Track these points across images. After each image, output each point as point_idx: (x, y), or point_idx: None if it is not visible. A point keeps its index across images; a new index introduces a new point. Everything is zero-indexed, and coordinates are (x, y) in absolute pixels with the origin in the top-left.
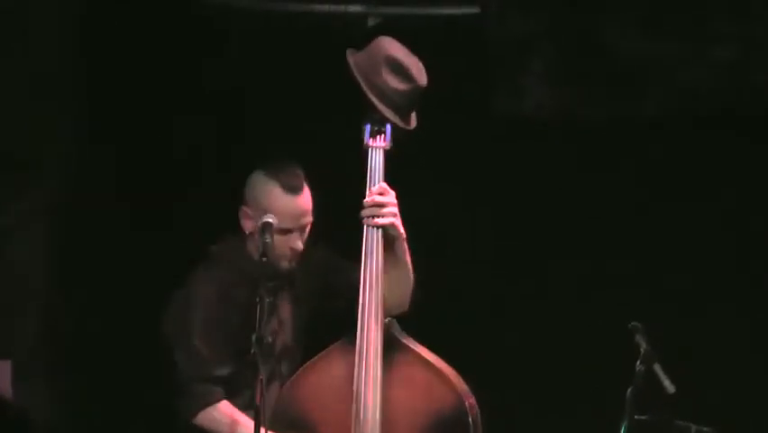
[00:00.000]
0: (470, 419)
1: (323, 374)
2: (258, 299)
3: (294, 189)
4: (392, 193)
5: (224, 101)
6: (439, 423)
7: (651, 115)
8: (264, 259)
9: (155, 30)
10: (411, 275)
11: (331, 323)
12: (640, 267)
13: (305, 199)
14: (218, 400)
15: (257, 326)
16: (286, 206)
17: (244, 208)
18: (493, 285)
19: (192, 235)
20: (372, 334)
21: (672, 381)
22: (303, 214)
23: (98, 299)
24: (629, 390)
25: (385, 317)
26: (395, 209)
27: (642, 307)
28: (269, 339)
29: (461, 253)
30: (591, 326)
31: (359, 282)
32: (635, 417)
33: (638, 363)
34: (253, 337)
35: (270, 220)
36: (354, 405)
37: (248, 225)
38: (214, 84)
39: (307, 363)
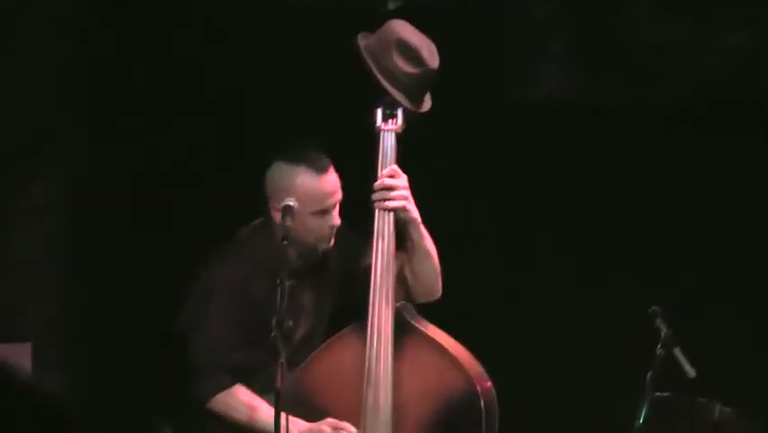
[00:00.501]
0: (481, 403)
1: (335, 358)
2: (278, 282)
3: (322, 169)
4: (404, 176)
5: (242, 87)
6: (450, 406)
7: (665, 101)
8: (285, 242)
9: (157, 21)
10: (435, 260)
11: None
12: (657, 251)
13: (333, 175)
14: (233, 385)
15: (277, 309)
16: (319, 187)
17: (273, 201)
18: (509, 270)
19: (209, 222)
20: (383, 317)
21: (693, 365)
22: (335, 190)
23: (117, 281)
24: (649, 374)
25: (399, 301)
26: (406, 192)
27: (662, 291)
28: (290, 323)
29: (473, 239)
30: (611, 310)
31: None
32: (657, 394)
33: (658, 347)
34: (273, 321)
35: (292, 203)
36: (365, 388)
37: (279, 217)
38: (229, 69)
39: (320, 346)
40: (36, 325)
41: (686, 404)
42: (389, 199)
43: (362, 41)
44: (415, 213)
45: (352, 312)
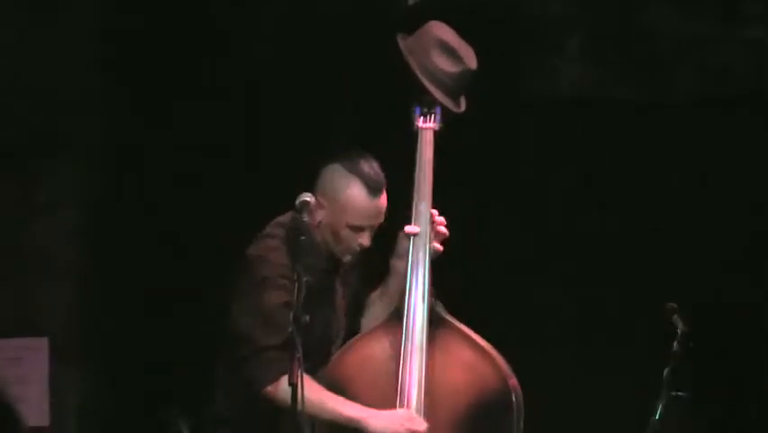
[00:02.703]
0: (513, 398)
1: (368, 351)
2: (296, 278)
3: (377, 191)
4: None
5: (262, 80)
6: (483, 401)
7: (683, 95)
8: (303, 238)
9: (178, 22)
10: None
11: None
12: (673, 247)
13: (384, 199)
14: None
15: (295, 304)
16: (367, 207)
17: (318, 199)
18: (521, 265)
19: (223, 215)
20: (418, 311)
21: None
22: (380, 214)
23: (129, 279)
24: (666, 370)
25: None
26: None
27: (678, 287)
28: (306, 319)
29: (493, 231)
30: (627, 306)
31: None
32: (673, 393)
33: (675, 343)
34: (290, 316)
35: (308, 199)
36: (398, 382)
37: (318, 215)
38: (248, 65)
39: (353, 338)
40: (53, 320)
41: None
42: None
43: (402, 40)
44: None
45: None
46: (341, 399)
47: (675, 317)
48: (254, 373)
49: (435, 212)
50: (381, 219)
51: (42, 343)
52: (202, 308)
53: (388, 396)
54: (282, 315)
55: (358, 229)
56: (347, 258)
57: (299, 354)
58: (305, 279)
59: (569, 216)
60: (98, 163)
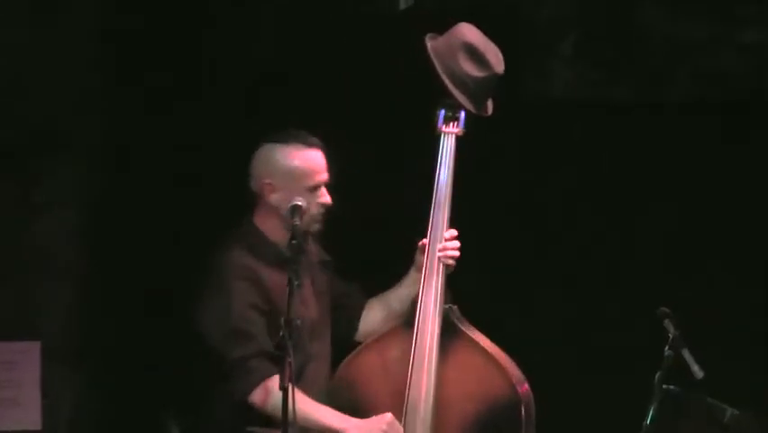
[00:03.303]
0: (522, 407)
1: (379, 356)
2: (287, 282)
3: (312, 143)
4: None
5: (250, 87)
6: (492, 409)
7: (679, 98)
8: (294, 242)
9: (183, 19)
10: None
11: None
12: (669, 251)
13: (321, 153)
14: (275, 374)
15: (287, 308)
16: (314, 162)
17: (266, 182)
18: (518, 269)
19: (223, 216)
20: (430, 318)
21: (701, 366)
22: (324, 167)
23: (129, 280)
24: (657, 374)
25: (447, 304)
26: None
27: (671, 291)
28: (298, 322)
29: (487, 236)
30: (620, 311)
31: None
32: (665, 386)
33: (666, 348)
34: (282, 320)
35: (300, 203)
36: (408, 388)
37: (273, 198)
38: (240, 70)
39: (364, 343)
40: (52, 320)
41: (695, 405)
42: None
43: (430, 41)
44: None
45: None
46: (322, 408)
47: (667, 321)
48: (234, 385)
49: (454, 232)
50: (327, 175)
51: (35, 346)
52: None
53: (396, 402)
54: (249, 321)
55: (315, 189)
56: (315, 227)
57: (290, 358)
58: (296, 282)
59: (566, 217)
60: (98, 163)
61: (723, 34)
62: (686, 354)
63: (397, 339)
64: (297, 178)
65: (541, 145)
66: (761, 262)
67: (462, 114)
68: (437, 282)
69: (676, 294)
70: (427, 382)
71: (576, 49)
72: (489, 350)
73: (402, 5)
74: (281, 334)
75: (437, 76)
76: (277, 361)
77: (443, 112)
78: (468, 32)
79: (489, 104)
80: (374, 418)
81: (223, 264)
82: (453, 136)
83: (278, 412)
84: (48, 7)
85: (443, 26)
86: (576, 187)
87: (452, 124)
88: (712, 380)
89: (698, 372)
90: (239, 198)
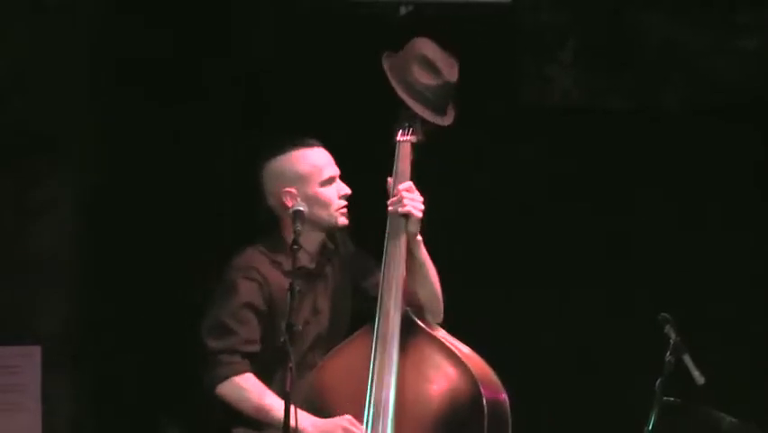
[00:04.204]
0: (484, 404)
1: (346, 358)
2: (289, 287)
3: (311, 144)
4: (417, 193)
5: (248, 89)
6: (453, 407)
7: (677, 104)
8: (295, 247)
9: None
10: (436, 283)
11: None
12: (668, 257)
13: (324, 149)
14: (244, 372)
15: (288, 313)
16: (319, 158)
17: (285, 190)
18: (517, 274)
19: (221, 220)
20: (390, 318)
21: (702, 372)
22: (331, 161)
23: (128, 284)
24: (658, 380)
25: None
26: (421, 204)
27: (671, 298)
28: (299, 327)
29: (486, 242)
30: (621, 316)
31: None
32: (665, 398)
33: (668, 354)
34: (283, 325)
35: (302, 208)
36: (369, 388)
37: (297, 204)
38: (238, 71)
39: (333, 349)
40: (50, 322)
41: (695, 412)
42: (408, 204)
43: (386, 58)
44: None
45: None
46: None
47: (668, 327)
48: (204, 376)
49: (409, 183)
50: (337, 169)
51: (36, 351)
52: (200, 313)
53: (361, 406)
54: (237, 318)
55: (330, 182)
56: (342, 220)
57: (292, 363)
58: (297, 288)
59: (564, 222)
60: (96, 165)
61: (722, 41)
62: (687, 359)
63: (363, 341)
64: (309, 178)
65: (539, 151)
66: (763, 268)
67: (419, 122)
68: (397, 290)
69: (676, 300)
70: (388, 381)
71: (575, 55)
72: (454, 350)
73: (402, 12)
74: (282, 339)
75: (393, 88)
76: (253, 360)
77: (402, 123)
78: (422, 44)
79: (450, 113)
80: (334, 418)
81: (233, 264)
82: (408, 144)
83: (243, 407)
84: (47, 7)
85: (442, 32)
86: (575, 192)
87: (406, 132)
88: (713, 387)
89: (698, 377)
90: (239, 197)
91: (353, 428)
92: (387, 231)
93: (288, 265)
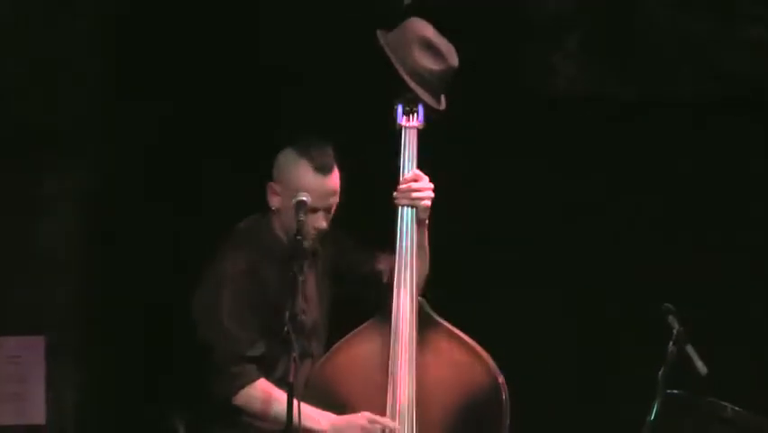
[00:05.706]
0: (503, 396)
1: (356, 351)
2: (291, 277)
3: (324, 169)
4: (426, 178)
5: (256, 80)
6: (474, 399)
7: (683, 94)
8: (298, 237)
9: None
10: (427, 263)
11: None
12: (673, 247)
13: (334, 180)
14: (255, 380)
15: (290, 303)
16: (315, 184)
17: (272, 184)
18: (520, 264)
19: (223, 213)
20: (407, 311)
21: (705, 362)
22: (331, 194)
23: (131, 275)
24: (661, 370)
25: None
26: (431, 193)
27: (675, 287)
28: (302, 317)
29: (491, 231)
30: (624, 306)
31: (369, 273)
32: (668, 391)
33: (670, 344)
34: (286, 315)
35: (304, 198)
36: (388, 382)
37: (274, 201)
38: (246, 63)
39: (342, 339)
40: (53, 318)
41: (697, 402)
42: (416, 196)
43: (382, 37)
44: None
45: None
46: (302, 407)
47: (671, 317)
48: (217, 385)
49: (418, 172)
50: (334, 200)
51: (39, 341)
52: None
53: (377, 397)
54: (236, 320)
55: (313, 210)
56: (306, 243)
57: (295, 353)
58: (301, 278)
59: (568, 213)
60: (100, 163)
61: (728, 31)
62: (690, 349)
63: (376, 333)
64: (297, 194)
65: (544, 141)
66: (764, 260)
67: (421, 107)
68: (412, 282)
69: (678, 291)
70: (408, 375)
71: (580, 44)
72: (468, 342)
73: (406, 1)
74: (285, 329)
75: (394, 70)
76: (260, 364)
77: (400, 106)
78: (421, 25)
79: (443, 99)
80: (352, 415)
81: (223, 259)
82: (414, 130)
83: (260, 415)
84: (47, 6)
85: (446, 22)
86: (579, 182)
87: (411, 117)
88: (715, 378)
89: (701, 367)
90: (239, 197)
91: (372, 426)
92: (398, 223)
93: (275, 251)
